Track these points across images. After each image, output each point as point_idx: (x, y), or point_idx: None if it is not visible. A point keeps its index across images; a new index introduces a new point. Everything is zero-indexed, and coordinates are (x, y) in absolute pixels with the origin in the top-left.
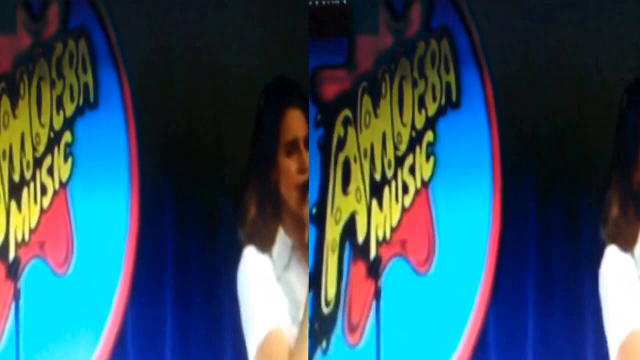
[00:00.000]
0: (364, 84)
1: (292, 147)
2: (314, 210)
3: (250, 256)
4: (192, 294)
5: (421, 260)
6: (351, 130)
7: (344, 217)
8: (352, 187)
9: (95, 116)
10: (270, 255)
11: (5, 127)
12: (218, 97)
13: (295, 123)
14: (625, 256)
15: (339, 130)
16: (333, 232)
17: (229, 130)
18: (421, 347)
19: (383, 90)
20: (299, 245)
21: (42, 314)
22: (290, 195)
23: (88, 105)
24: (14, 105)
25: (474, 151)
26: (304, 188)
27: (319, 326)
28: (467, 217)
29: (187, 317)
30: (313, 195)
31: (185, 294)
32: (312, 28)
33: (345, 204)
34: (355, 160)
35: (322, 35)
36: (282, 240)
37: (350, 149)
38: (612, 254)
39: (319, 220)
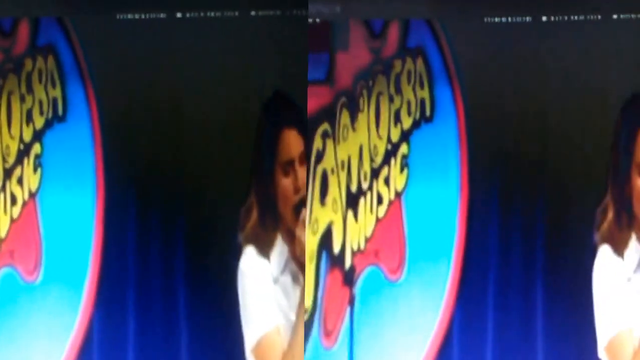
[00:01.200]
0: (343, 99)
1: (288, 167)
2: None
3: (250, 256)
4: (152, 298)
5: (393, 268)
6: (329, 143)
7: (321, 228)
8: (329, 199)
9: (63, 129)
10: (268, 258)
11: None
12: (177, 110)
13: (292, 144)
14: (616, 258)
15: (317, 143)
16: (311, 243)
17: (190, 138)
18: (391, 348)
19: (361, 105)
20: (294, 255)
21: (13, 320)
22: (286, 212)
23: (57, 118)
24: None
25: (444, 162)
26: (299, 206)
27: None
28: (435, 225)
29: (147, 319)
30: None
31: (145, 297)
32: None
33: (323, 215)
34: (332, 172)
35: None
36: (280, 246)
37: (328, 162)
38: (604, 255)
39: None
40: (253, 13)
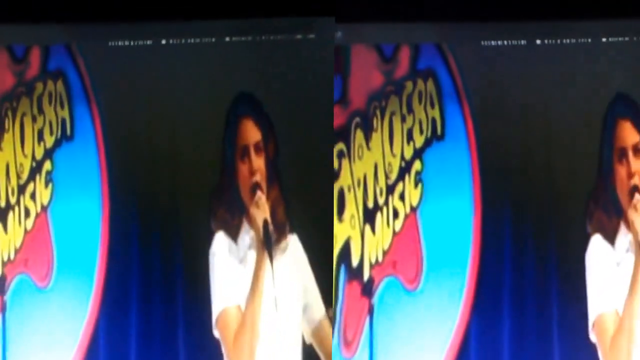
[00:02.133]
0: (357, 119)
1: (244, 152)
2: None
3: (219, 240)
4: (152, 299)
5: (410, 278)
6: (345, 162)
7: (340, 243)
8: (346, 215)
9: (71, 147)
10: (236, 241)
11: None
12: (170, 125)
13: (248, 131)
14: (607, 245)
15: (334, 162)
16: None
17: (182, 151)
18: (410, 356)
19: (375, 125)
20: (258, 237)
21: (26, 323)
22: (245, 196)
23: (65, 137)
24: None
25: (457, 178)
26: (254, 188)
27: None
28: (450, 237)
29: (149, 317)
30: None
31: (146, 296)
32: None
33: (341, 230)
34: (349, 190)
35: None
36: (246, 230)
37: (344, 180)
38: (596, 241)
39: None
40: (227, 39)
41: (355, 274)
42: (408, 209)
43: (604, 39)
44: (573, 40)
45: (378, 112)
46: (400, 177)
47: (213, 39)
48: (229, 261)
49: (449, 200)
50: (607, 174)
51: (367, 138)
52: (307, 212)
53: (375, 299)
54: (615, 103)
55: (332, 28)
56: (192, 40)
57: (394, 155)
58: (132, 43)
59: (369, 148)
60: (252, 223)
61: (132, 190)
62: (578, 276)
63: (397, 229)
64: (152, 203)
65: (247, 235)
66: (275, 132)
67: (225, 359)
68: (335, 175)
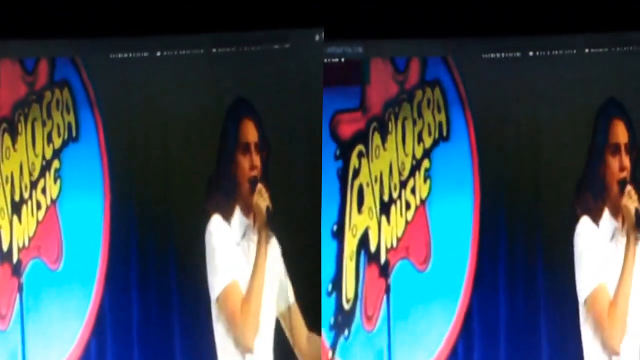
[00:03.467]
0: (374, 124)
1: (246, 149)
2: (334, 228)
3: (216, 221)
4: (150, 280)
5: (421, 260)
6: (364, 161)
7: (359, 232)
8: (365, 207)
9: (76, 147)
10: (230, 225)
11: (8, 158)
12: (164, 125)
13: (249, 130)
14: (593, 226)
15: (354, 162)
16: (351, 244)
17: (175, 152)
18: (422, 328)
19: (389, 128)
20: (252, 225)
21: (40, 301)
22: (243, 184)
23: (71, 139)
24: (13, 140)
25: (460, 174)
26: (254, 181)
27: (341, 319)
28: (455, 225)
29: (147, 297)
30: (333, 215)
31: (145, 280)
32: (330, 79)
33: (360, 221)
34: (367, 185)
35: (340, 85)
36: (239, 216)
37: (363, 177)
38: (584, 223)
39: (339, 235)
40: (214, 50)
41: (373, 258)
42: (418, 202)
43: (586, 50)
44: (560, 52)
45: (392, 117)
46: (412, 174)
47: (202, 50)
48: (226, 240)
49: (453, 194)
50: (597, 164)
51: (383, 140)
52: (290, 214)
53: (391, 280)
54: (607, 105)
55: (314, 38)
56: (183, 52)
57: (406, 155)
58: (129, 55)
59: (384, 149)
60: (246, 210)
61: (130, 185)
62: (565, 256)
63: (409, 218)
64: (148, 197)
65: (238, 220)
66: (267, 137)
67: (227, 332)
68: (355, 173)
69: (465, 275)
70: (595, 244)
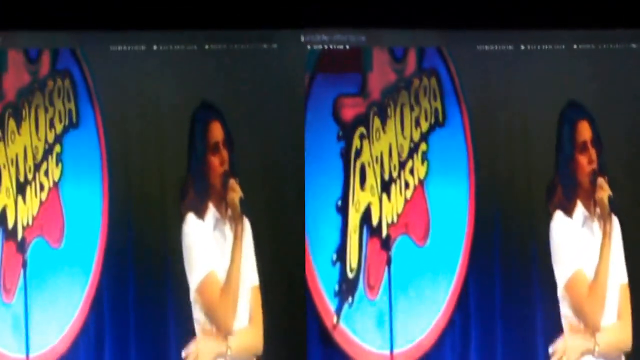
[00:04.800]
0: (374, 108)
1: (216, 148)
2: (339, 203)
3: (191, 219)
4: (146, 260)
5: (420, 236)
6: (365, 143)
7: (362, 207)
8: (367, 185)
9: (77, 133)
10: (204, 221)
11: (13, 141)
12: (155, 117)
13: (217, 131)
14: (567, 219)
15: (356, 143)
16: (354, 218)
17: (167, 138)
18: (421, 297)
19: (389, 113)
20: (223, 218)
21: (43, 277)
22: (215, 182)
23: (72, 125)
24: (18, 126)
25: (456, 158)
26: (225, 176)
27: (345, 287)
28: (451, 205)
29: (143, 276)
30: (337, 191)
31: (141, 259)
32: (334, 65)
33: (363, 197)
34: (369, 165)
35: (342, 71)
36: (212, 212)
37: (365, 157)
38: (558, 217)
39: (344, 210)
40: (207, 47)
41: (375, 232)
42: (417, 182)
43: (575, 46)
44: (550, 47)
45: (391, 103)
46: (410, 155)
47: (195, 47)
48: (202, 235)
49: (449, 175)
50: (567, 161)
51: (383, 124)
52: (266, 203)
53: (392, 253)
54: (571, 105)
55: (298, 39)
56: (178, 47)
57: (404, 138)
58: (128, 48)
59: (384, 132)
60: (219, 204)
61: (126, 169)
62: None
63: (408, 197)
64: (145, 176)
65: (212, 215)
66: (232, 132)
67: (206, 320)
68: (357, 154)
69: (462, 251)
70: (570, 235)
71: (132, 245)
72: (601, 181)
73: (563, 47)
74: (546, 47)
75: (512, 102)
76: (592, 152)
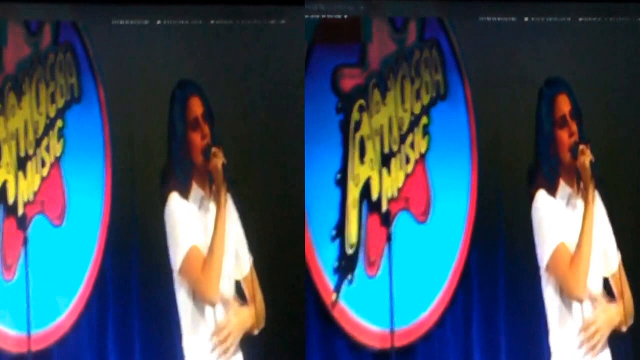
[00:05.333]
0: (374, 80)
1: (195, 123)
2: (338, 176)
3: (174, 198)
4: (150, 237)
5: (420, 212)
6: (365, 116)
7: (361, 181)
8: (366, 158)
9: (79, 108)
10: (187, 199)
11: (13, 115)
12: (158, 92)
13: (196, 105)
14: (550, 198)
15: (355, 115)
16: (353, 192)
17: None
18: (422, 275)
19: (388, 85)
20: (208, 195)
21: (44, 255)
22: (197, 158)
23: (74, 100)
24: (18, 99)
25: (457, 130)
26: (207, 150)
27: (345, 263)
28: (453, 180)
29: (148, 254)
30: (336, 164)
31: (146, 237)
32: (332, 35)
33: (362, 171)
34: (368, 138)
35: (340, 41)
36: (196, 191)
37: (364, 130)
38: (540, 196)
39: (342, 184)
40: (212, 22)
41: (375, 207)
42: (417, 156)
43: (580, 19)
44: (555, 19)
45: (391, 75)
46: (411, 129)
47: (200, 21)
48: (185, 212)
49: (451, 149)
50: (547, 140)
51: (383, 96)
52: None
53: (392, 228)
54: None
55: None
56: (183, 22)
57: (405, 111)
58: (130, 22)
59: (384, 104)
60: (202, 181)
61: (130, 145)
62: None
63: (409, 171)
64: (149, 157)
65: (195, 193)
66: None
67: (189, 294)
68: (356, 126)
69: (464, 227)
70: (553, 214)
71: (136, 222)
72: (582, 147)
73: (568, 19)
74: (551, 20)
75: (516, 76)
76: (573, 125)
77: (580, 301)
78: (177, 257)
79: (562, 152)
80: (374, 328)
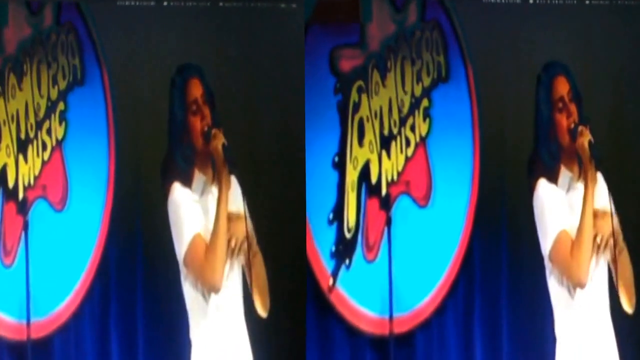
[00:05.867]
0: (373, 60)
1: (194, 105)
2: (336, 159)
3: (177, 188)
4: (155, 223)
5: (421, 196)
6: (364, 97)
7: (360, 164)
8: (365, 141)
9: (82, 91)
10: (190, 188)
11: (13, 97)
12: (162, 75)
13: (195, 87)
14: (551, 185)
15: (354, 96)
16: (352, 175)
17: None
18: (423, 260)
19: (388, 66)
20: (211, 179)
21: (45, 241)
22: (197, 142)
23: (76, 82)
24: (19, 80)
25: (459, 114)
26: (207, 133)
27: (343, 248)
28: (455, 164)
29: (152, 241)
30: (334, 146)
31: (150, 224)
32: (328, 16)
33: (361, 153)
34: (367, 120)
35: (339, 21)
36: (198, 177)
37: (363, 111)
38: (541, 185)
39: (341, 167)
40: (221, 4)
41: (374, 190)
42: (418, 139)
43: (587, 1)
44: (561, 1)
45: (391, 56)
46: (411, 112)
47: (208, 3)
48: (187, 203)
49: (452, 133)
50: (546, 126)
51: (383, 77)
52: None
53: (392, 213)
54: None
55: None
56: (190, 4)
57: (405, 93)
58: (135, 3)
59: (384, 86)
60: (204, 166)
61: (134, 129)
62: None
63: (409, 155)
64: (155, 141)
65: (197, 180)
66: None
67: (194, 282)
68: (355, 107)
69: (466, 213)
70: (555, 202)
71: (140, 208)
72: (582, 128)
73: (574, 2)
74: (556, 2)
75: (519, 58)
76: (571, 106)
77: (582, 287)
78: (181, 247)
79: (561, 135)
80: (372, 314)
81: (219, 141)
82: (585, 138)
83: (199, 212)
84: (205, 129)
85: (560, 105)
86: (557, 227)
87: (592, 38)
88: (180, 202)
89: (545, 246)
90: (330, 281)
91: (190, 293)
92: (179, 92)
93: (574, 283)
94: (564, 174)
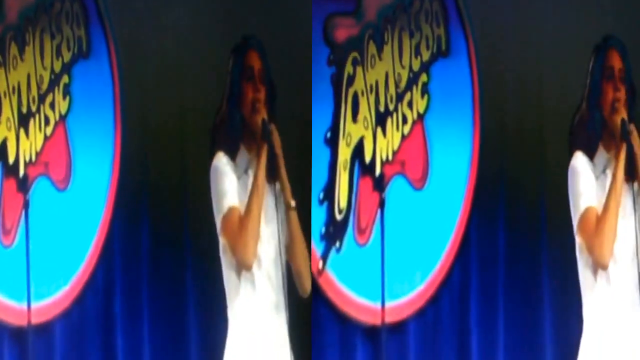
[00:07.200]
0: (370, 31)
1: (250, 71)
2: (328, 135)
3: (220, 157)
4: (162, 203)
5: (417, 178)
6: (359, 69)
7: (354, 141)
8: (360, 117)
9: (87, 64)
10: (234, 161)
11: (15, 68)
12: (178, 47)
13: (253, 57)
14: (585, 159)
15: (348, 69)
16: (344, 153)
17: (191, 73)
18: (418, 245)
19: (385, 38)
20: (254, 158)
21: (47, 221)
22: (246, 111)
23: (82, 54)
24: (21, 50)
25: (459, 90)
26: (255, 102)
27: (333, 230)
28: (453, 144)
29: (159, 222)
30: (327, 121)
31: (158, 204)
32: None
33: (355, 130)
34: (362, 94)
35: None
36: (243, 153)
37: (358, 85)
38: (578, 156)
39: (333, 143)
40: None
41: (367, 169)
42: (415, 116)
43: None
44: None
45: (389, 27)
46: (409, 87)
47: None
48: (227, 172)
49: (452, 111)
50: (594, 94)
51: (379, 49)
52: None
53: (385, 194)
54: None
55: None
56: None
57: (403, 67)
58: None
59: (380, 59)
60: (250, 144)
61: (142, 104)
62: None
63: (406, 133)
64: (159, 114)
65: (242, 156)
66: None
67: (229, 256)
68: (349, 81)
69: (464, 196)
70: (586, 176)
71: (147, 187)
72: (618, 105)
73: None
74: None
75: (524, 32)
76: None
77: (605, 268)
78: (218, 216)
79: (605, 105)
80: (363, 301)
81: (260, 116)
82: (619, 116)
83: (237, 185)
84: (255, 101)
85: (609, 74)
86: (585, 202)
87: (601, 18)
88: (220, 171)
89: (575, 221)
90: (320, 264)
91: (226, 267)
92: (237, 56)
93: (597, 264)
94: (601, 153)
